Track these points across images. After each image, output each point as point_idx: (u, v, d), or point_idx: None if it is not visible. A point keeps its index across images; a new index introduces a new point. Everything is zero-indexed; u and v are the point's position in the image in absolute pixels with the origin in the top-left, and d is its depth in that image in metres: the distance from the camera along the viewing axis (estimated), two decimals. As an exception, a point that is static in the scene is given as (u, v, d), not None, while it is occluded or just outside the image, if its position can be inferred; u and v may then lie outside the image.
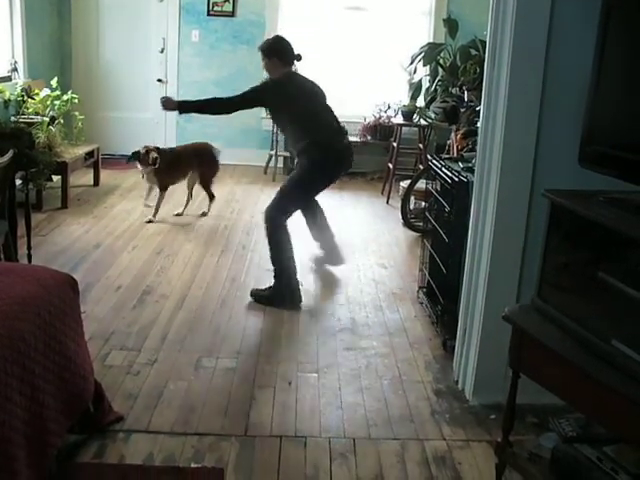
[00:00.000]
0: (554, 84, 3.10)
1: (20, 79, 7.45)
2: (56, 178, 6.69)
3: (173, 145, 7.72)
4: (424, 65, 7.94)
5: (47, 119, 6.63)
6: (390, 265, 5.56)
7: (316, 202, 5.23)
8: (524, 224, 3.23)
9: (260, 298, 4.62)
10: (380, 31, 8.87)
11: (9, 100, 6.75)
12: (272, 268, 4.68)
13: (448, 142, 5.69)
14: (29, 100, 6.84)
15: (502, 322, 2.74)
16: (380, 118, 8.52)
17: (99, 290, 4.64)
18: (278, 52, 4.82)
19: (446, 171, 4.16)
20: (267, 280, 4.81)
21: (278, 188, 4.84)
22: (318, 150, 4.67)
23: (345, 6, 8.87)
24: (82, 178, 7.67)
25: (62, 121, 6.98)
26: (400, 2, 8.83)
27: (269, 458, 2.95)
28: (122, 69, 8.99)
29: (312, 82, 4.91)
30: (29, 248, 4.76)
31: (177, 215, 6.57)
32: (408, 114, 8.02)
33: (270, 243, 4.68)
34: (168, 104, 4.86)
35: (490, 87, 3.26)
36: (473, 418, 3.34)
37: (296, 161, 4.88)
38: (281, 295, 4.61)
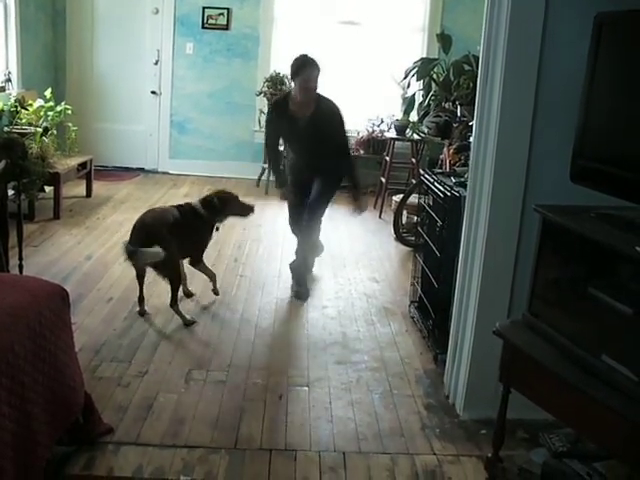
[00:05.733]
0: (546, 100, 3.11)
1: (14, 90, 7.45)
2: (48, 189, 6.66)
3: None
4: (417, 80, 7.96)
5: (40, 130, 6.62)
6: (382, 279, 5.56)
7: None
8: (516, 239, 3.24)
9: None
10: (374, 46, 8.91)
11: (2, 110, 6.73)
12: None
13: (441, 157, 5.71)
14: (22, 111, 6.83)
15: (493, 337, 2.75)
16: (373, 132, 8.54)
17: (90, 301, 4.63)
18: None
19: (438, 186, 4.17)
20: (259, 293, 4.88)
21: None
22: None
23: (339, 21, 8.91)
24: (75, 189, 7.66)
25: (55, 132, 6.98)
26: (394, 17, 8.87)
27: (259, 471, 2.94)
28: (116, 81, 8.98)
29: None
30: (20, 259, 4.74)
31: None
32: (401, 128, 8.05)
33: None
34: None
35: (483, 102, 3.28)
36: (463, 433, 3.33)
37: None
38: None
